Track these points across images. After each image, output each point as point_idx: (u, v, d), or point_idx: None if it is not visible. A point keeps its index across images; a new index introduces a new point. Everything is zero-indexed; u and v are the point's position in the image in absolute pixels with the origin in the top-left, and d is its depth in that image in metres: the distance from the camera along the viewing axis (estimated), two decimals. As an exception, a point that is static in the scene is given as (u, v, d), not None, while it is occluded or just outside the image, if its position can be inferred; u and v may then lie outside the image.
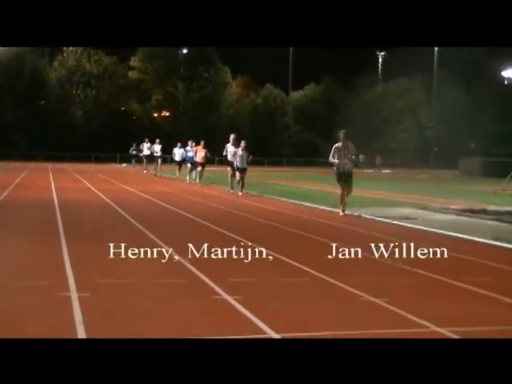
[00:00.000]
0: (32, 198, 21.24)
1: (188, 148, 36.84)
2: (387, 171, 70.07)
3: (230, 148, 28.12)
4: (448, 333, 6.10)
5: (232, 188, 27.44)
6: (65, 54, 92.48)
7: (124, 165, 67.60)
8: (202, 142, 34.56)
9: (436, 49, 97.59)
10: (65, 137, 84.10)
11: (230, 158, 27.72)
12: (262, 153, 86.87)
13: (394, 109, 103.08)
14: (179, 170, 40.00)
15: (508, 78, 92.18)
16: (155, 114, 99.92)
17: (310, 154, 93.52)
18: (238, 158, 26.77)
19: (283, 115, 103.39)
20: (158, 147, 44.45)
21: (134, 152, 58.60)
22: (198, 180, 34.54)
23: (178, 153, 40.09)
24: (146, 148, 48.54)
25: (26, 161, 65.69)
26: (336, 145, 18.69)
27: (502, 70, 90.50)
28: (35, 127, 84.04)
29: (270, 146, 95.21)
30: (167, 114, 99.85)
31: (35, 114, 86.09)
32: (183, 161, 39.07)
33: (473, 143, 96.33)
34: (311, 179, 43.62)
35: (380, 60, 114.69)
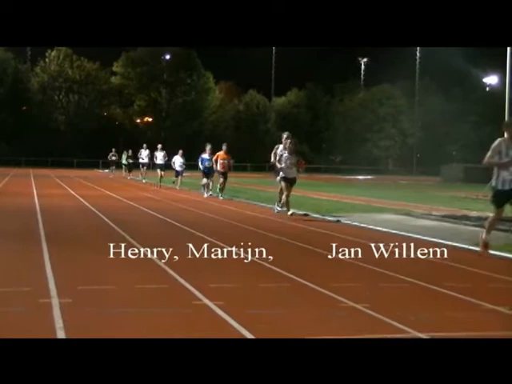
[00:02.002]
0: (14, 204, 21.14)
1: (205, 156, 28.89)
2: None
3: (281, 151, 20.80)
4: (429, 338, 6.11)
5: (281, 206, 20.51)
6: (47, 60, 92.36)
7: (106, 171, 67.37)
8: (225, 147, 28.22)
9: (418, 55, 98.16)
10: (47, 142, 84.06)
11: (277, 164, 20.45)
12: (244, 159, 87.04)
13: (376, 115, 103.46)
14: (180, 181, 35.17)
15: (489, 85, 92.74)
16: (138, 120, 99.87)
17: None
18: (283, 164, 19.94)
19: (266, 121, 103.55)
20: (160, 154, 39.03)
21: (114, 158, 55.37)
22: (220, 194, 27.36)
23: (178, 161, 35.36)
24: (144, 155, 44.02)
25: (8, 166, 65.39)
26: (498, 142, 12.20)
27: (483, 77, 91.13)
28: (17, 133, 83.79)
29: (253, 152, 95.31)
30: (150, 119, 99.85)
31: (17, 120, 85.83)
32: (183, 171, 35.42)
33: (455, 150, 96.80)
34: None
35: (362, 66, 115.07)
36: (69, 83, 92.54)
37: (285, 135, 20.87)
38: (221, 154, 27.94)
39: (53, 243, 11.92)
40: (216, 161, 27.79)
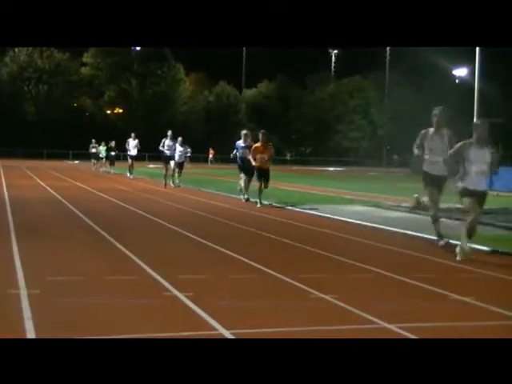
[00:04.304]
0: (-18, 194, 21.02)
1: (240, 143, 22.33)
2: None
3: (428, 139, 12.68)
4: (396, 329, 6.18)
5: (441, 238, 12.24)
6: (16, 50, 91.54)
7: (76, 162, 67.07)
8: (262, 135, 21.10)
9: (388, 48, 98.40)
10: (16, 133, 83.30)
11: (424, 162, 12.87)
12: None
13: (346, 107, 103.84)
14: (179, 174, 29.49)
15: (459, 77, 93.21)
16: (108, 111, 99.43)
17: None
18: (438, 165, 12.30)
19: (236, 113, 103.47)
20: (169, 143, 30.18)
21: (94, 150, 49.42)
22: (259, 201, 20.17)
23: (177, 150, 29.43)
24: (132, 146, 37.60)
25: (-24, 158, 64.87)
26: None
27: (453, 69, 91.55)
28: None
29: (223, 144, 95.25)
30: (120, 110, 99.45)
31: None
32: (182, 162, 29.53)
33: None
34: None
35: (333, 58, 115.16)
36: (38, 73, 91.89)
37: (437, 111, 12.52)
38: (258, 145, 20.97)
39: (22, 234, 11.88)
40: (253, 151, 20.94)
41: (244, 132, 22.78)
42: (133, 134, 38.33)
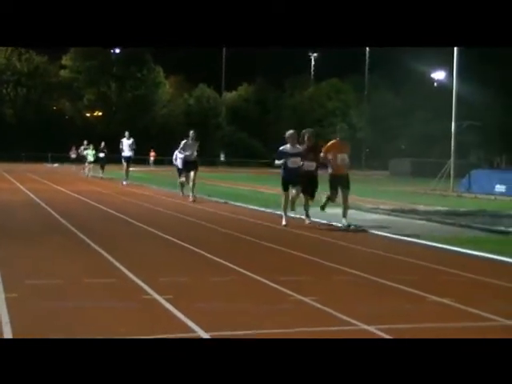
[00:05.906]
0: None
1: (287, 148, 15.70)
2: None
3: None
4: (376, 330, 6.18)
5: None
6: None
7: (56, 165, 66.78)
8: (340, 130, 17.28)
9: (367, 49, 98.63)
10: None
11: None
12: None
13: (325, 110, 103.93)
14: (186, 181, 23.86)
15: (437, 80, 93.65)
16: (87, 114, 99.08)
17: (243, 155, 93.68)
18: None
19: (216, 116, 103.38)
20: (193, 146, 23.45)
21: (85, 152, 43.34)
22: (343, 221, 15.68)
23: (180, 156, 24.48)
24: (126, 146, 33.60)
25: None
26: None
27: (431, 72, 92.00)
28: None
29: (204, 147, 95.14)
30: (100, 113, 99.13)
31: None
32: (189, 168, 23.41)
33: (403, 144, 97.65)
34: (244, 180, 43.69)
35: (312, 61, 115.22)
36: (17, 76, 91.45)
37: None
38: (336, 143, 16.02)
39: None
40: (325, 153, 15.88)
41: (290, 132, 15.95)
42: (127, 133, 34.19)
